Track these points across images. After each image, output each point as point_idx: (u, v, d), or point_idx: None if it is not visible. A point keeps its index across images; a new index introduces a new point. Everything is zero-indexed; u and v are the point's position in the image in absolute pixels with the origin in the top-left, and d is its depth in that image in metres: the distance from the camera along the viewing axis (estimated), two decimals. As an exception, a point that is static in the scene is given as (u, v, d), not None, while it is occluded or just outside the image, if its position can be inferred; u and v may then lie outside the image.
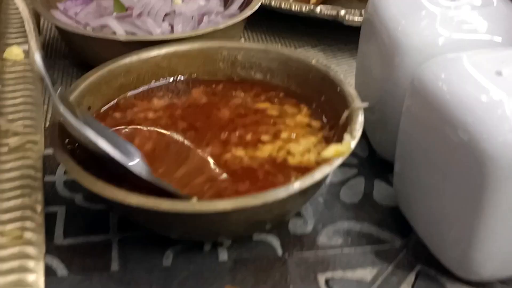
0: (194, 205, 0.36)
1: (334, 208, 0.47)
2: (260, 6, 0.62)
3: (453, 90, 0.38)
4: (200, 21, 0.61)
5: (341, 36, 0.69)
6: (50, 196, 0.47)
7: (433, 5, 0.46)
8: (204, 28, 0.56)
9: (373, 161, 0.52)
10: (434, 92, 0.39)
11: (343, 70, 0.65)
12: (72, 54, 0.63)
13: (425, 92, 0.40)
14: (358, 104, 0.44)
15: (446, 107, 0.38)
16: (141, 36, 0.56)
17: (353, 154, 0.46)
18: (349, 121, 0.43)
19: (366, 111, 0.43)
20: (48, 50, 0.66)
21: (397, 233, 0.45)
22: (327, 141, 0.45)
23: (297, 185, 0.37)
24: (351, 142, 0.40)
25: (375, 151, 0.52)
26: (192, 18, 0.61)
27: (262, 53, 0.52)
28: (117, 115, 0.48)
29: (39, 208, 0.41)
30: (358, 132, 0.41)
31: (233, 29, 0.58)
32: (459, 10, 0.46)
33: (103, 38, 0.54)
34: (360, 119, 0.42)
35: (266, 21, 0.71)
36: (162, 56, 0.52)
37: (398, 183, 0.46)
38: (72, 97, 0.45)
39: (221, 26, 0.56)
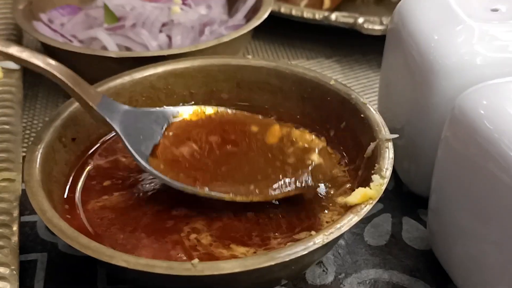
0: (195, 268, 0.30)
1: (357, 253, 0.41)
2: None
3: (499, 122, 0.33)
4: (201, 31, 0.56)
5: (359, 45, 0.63)
6: (29, 240, 0.41)
7: (470, 18, 0.40)
8: (206, 42, 0.50)
9: (400, 194, 0.46)
10: (478, 124, 0.34)
11: (362, 85, 0.59)
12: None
13: (468, 122, 0.34)
14: (387, 135, 0.38)
15: (492, 141, 0.32)
16: (135, 52, 0.50)
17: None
18: (376, 155, 0.37)
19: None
20: (31, 78, 0.58)
21: (432, 283, 0.39)
22: (348, 178, 0.39)
23: (319, 240, 0.31)
24: (381, 184, 0.34)
25: (403, 183, 0.46)
26: (193, 28, 0.55)
27: (272, 72, 0.46)
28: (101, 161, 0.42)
29: (14, 263, 0.35)
30: (388, 172, 0.35)
31: (238, 41, 0.52)
32: (501, 23, 0.39)
33: (92, 54, 0.48)
34: (389, 154, 0.36)
35: (275, 29, 0.65)
36: (158, 76, 0.46)
37: (433, 222, 0.40)
38: (53, 128, 0.39)
39: (225, 38, 0.50)
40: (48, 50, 0.52)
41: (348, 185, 0.39)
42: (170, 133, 0.39)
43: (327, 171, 0.38)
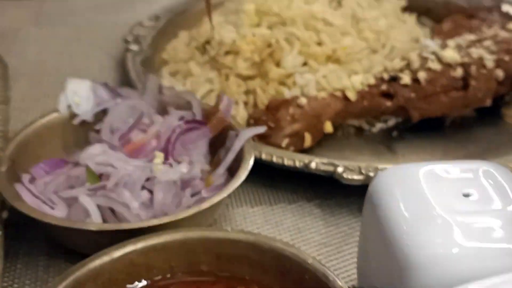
0: None
1: None
2: (251, 155, 0.59)
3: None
4: (184, 186, 0.57)
5: (340, 188, 0.64)
6: None
7: (443, 206, 0.41)
8: (186, 210, 0.52)
9: None
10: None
11: (342, 233, 0.60)
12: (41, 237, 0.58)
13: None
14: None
15: None
16: (114, 225, 0.51)
17: None
18: None
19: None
20: (13, 231, 0.58)
21: None
22: None
23: None
24: None
25: None
26: (175, 183, 0.56)
27: (251, 246, 0.47)
28: None
29: None
30: None
31: (218, 204, 0.54)
32: (475, 212, 0.41)
33: (71, 227, 0.50)
34: None
35: (257, 171, 0.66)
36: (138, 252, 0.47)
37: None
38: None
39: (205, 205, 0.52)
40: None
41: None
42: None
43: None
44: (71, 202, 0.55)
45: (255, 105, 0.75)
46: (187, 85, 0.78)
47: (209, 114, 0.62)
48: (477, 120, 0.77)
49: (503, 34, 0.80)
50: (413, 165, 0.46)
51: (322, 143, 0.73)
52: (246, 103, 0.75)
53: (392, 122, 0.76)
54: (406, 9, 0.93)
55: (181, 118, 0.62)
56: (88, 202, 0.54)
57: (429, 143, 0.74)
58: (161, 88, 0.66)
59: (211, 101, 0.74)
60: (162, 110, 0.65)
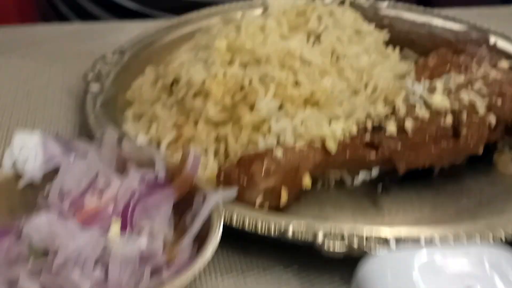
0: None
1: None
2: (220, 223, 0.53)
3: None
4: (143, 261, 0.50)
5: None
6: None
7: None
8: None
9: None
10: None
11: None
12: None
13: None
14: None
15: None
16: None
17: None
18: None
19: None
20: None
21: None
22: None
23: None
24: None
25: None
26: (133, 259, 0.49)
27: None
28: None
29: None
30: None
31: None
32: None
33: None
34: None
35: (227, 232, 0.59)
36: None
37: None
38: None
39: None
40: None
41: None
42: None
43: None
44: (12, 284, 0.48)
45: (227, 154, 0.68)
46: (152, 131, 0.71)
47: (174, 173, 0.56)
48: (468, 169, 0.71)
49: (494, 73, 0.75)
50: (407, 253, 0.40)
51: (299, 197, 0.66)
52: (216, 152, 0.68)
53: (376, 171, 0.70)
54: (389, 42, 0.87)
55: (142, 179, 0.55)
56: (29, 284, 0.47)
57: (417, 197, 0.68)
58: (120, 142, 0.59)
59: (178, 150, 0.67)
60: (121, 167, 0.58)
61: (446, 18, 0.99)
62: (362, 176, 0.70)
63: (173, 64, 0.77)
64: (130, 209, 0.53)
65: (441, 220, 0.63)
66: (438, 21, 0.98)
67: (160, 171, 0.56)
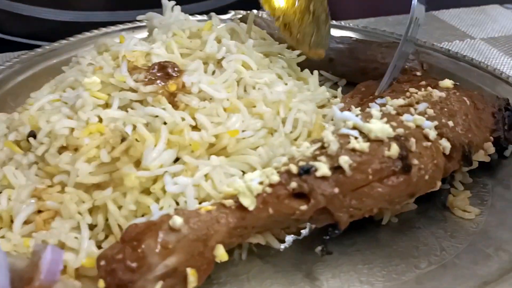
0: None
1: None
2: None
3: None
4: None
5: None
6: None
7: None
8: None
9: None
10: None
11: None
12: None
13: None
14: None
15: None
16: None
17: None
18: None
19: None
20: None
21: None
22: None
23: None
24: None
25: None
26: None
27: None
28: None
29: None
30: None
31: None
32: None
33: None
34: None
35: None
36: None
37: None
38: None
39: None
40: None
41: None
42: None
43: None
44: None
45: (108, 229, 0.54)
46: (2, 205, 0.55)
47: (24, 280, 0.39)
48: (419, 214, 0.61)
49: (437, 93, 0.63)
50: None
51: (212, 276, 0.53)
52: (92, 228, 0.54)
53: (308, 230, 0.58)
54: (303, 63, 0.74)
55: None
56: None
57: (361, 258, 0.56)
58: None
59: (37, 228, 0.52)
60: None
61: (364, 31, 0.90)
62: (291, 238, 0.56)
63: (30, 110, 0.61)
64: None
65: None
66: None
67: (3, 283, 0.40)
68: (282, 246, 0.57)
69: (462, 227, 0.59)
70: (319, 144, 0.56)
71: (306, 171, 0.53)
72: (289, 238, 0.58)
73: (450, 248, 0.57)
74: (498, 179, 0.66)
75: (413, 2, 0.68)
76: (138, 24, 0.87)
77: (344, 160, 0.53)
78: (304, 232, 0.58)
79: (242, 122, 0.59)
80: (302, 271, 0.54)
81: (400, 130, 0.57)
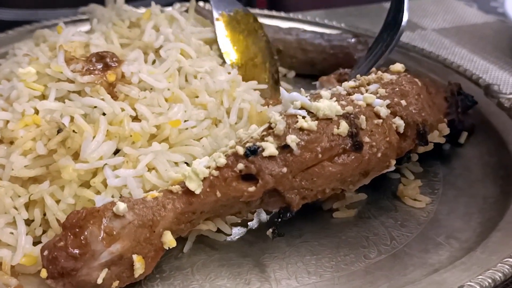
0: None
1: None
2: None
3: None
4: None
5: None
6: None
7: None
8: None
9: None
10: None
11: None
12: None
13: None
14: None
15: None
16: None
17: None
18: None
19: None
20: None
21: None
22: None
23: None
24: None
25: None
26: None
27: None
28: None
29: None
30: None
31: None
32: None
33: None
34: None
35: None
36: None
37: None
38: None
39: None
40: None
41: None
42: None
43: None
44: None
45: (46, 224, 0.53)
46: None
47: None
48: (370, 204, 0.60)
49: (389, 76, 0.63)
50: None
51: (161, 265, 0.52)
52: (29, 223, 0.53)
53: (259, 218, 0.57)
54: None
55: None
56: None
57: (309, 249, 0.55)
58: None
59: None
60: None
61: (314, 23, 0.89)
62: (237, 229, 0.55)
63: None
64: None
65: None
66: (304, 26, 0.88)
67: None
68: (228, 238, 0.56)
69: (412, 216, 0.59)
70: (266, 125, 0.55)
71: (253, 152, 0.52)
72: (236, 231, 0.56)
73: (401, 238, 0.56)
74: (449, 168, 0.66)
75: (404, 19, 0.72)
76: (81, 17, 0.85)
77: (292, 139, 0.52)
78: (250, 224, 0.57)
79: (184, 112, 0.58)
80: (248, 263, 0.53)
81: (350, 108, 0.56)
